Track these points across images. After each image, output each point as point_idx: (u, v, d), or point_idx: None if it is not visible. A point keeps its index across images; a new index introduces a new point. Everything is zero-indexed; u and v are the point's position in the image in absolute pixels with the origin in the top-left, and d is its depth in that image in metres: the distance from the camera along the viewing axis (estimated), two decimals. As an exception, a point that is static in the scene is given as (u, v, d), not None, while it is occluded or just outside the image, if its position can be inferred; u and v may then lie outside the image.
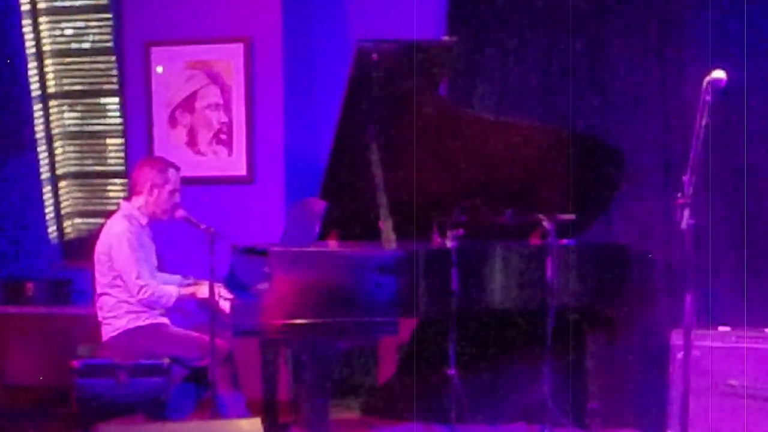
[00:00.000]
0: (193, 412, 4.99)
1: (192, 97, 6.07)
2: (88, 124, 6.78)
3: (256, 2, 5.97)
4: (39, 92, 6.71)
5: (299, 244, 4.73)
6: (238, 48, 5.97)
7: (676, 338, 4.72)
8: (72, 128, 6.78)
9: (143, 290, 4.76)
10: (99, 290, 4.88)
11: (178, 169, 4.98)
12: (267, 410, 5.17)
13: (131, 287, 4.77)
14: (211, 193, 5.94)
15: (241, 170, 6.01)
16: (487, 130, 5.02)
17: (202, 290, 4.80)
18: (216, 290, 4.57)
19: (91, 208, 6.79)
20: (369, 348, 5.78)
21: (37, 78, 6.70)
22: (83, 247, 6.06)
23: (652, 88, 5.41)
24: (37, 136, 6.68)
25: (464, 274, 4.54)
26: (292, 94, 6.01)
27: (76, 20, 6.71)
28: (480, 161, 5.04)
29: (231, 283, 4.97)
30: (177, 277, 5.08)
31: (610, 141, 5.27)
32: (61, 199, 6.80)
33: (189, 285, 5.02)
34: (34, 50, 6.68)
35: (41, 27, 6.69)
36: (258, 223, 5.84)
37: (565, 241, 4.91)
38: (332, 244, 4.96)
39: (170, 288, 4.87)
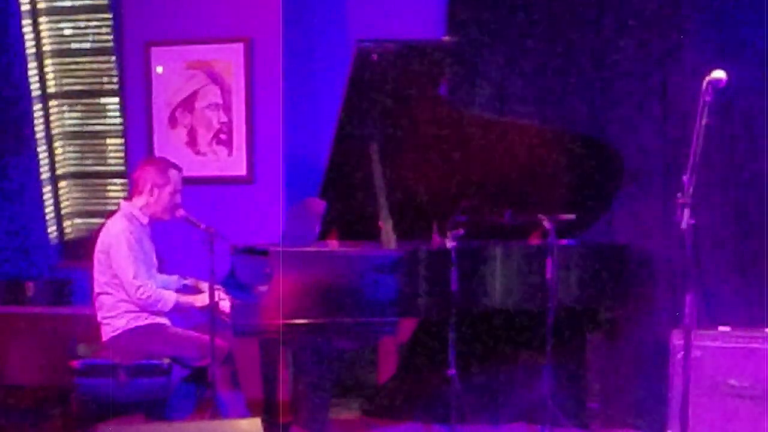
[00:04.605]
0: (193, 412, 4.98)
1: (192, 97, 6.07)
2: (88, 124, 6.78)
3: (256, 2, 5.96)
4: (39, 92, 6.71)
5: (299, 244, 4.73)
6: (238, 48, 5.97)
7: (676, 338, 4.72)
8: (72, 128, 6.78)
9: (140, 290, 4.76)
10: (98, 289, 4.88)
11: (179, 170, 4.98)
12: (267, 410, 5.17)
13: (128, 287, 4.76)
14: (211, 193, 5.94)
15: (241, 170, 6.01)
16: (487, 130, 5.02)
17: (202, 299, 4.80)
18: (217, 293, 4.57)
19: (91, 208, 6.79)
20: (369, 348, 5.79)
21: (37, 78, 6.70)
22: (83, 247, 6.06)
23: (652, 88, 5.41)
24: (37, 136, 6.68)
25: (464, 274, 4.55)
26: (292, 94, 6.01)
27: (76, 20, 6.71)
28: (480, 161, 5.04)
29: (231, 283, 4.97)
30: (174, 277, 5.08)
31: (610, 141, 5.27)
32: (61, 199, 6.80)
33: (187, 285, 5.02)
34: (34, 50, 6.68)
35: (41, 27, 6.69)
36: (258, 223, 5.83)
37: (565, 241, 4.92)
38: (332, 244, 4.96)
39: (168, 293, 4.85)
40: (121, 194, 6.47)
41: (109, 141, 6.74)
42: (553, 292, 4.63)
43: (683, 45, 5.33)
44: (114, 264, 4.78)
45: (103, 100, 6.73)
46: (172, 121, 6.11)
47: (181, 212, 4.82)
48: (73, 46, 6.74)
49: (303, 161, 5.99)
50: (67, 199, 6.82)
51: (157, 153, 6.02)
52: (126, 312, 4.83)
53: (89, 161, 6.80)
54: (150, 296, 4.78)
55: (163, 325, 4.91)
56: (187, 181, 5.08)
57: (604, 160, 5.13)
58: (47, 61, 6.72)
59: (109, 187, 6.78)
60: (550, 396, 4.74)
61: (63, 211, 6.80)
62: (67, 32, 6.74)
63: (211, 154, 6.06)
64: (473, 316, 4.94)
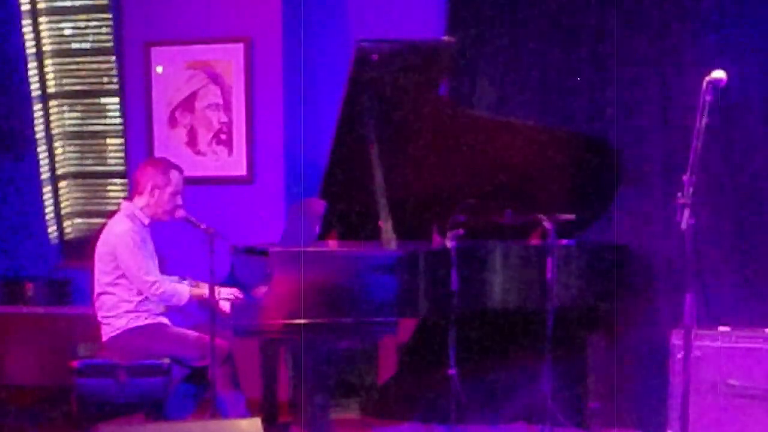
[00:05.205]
0: (193, 412, 4.99)
1: (192, 97, 6.07)
2: (88, 124, 6.78)
3: (256, 2, 5.97)
4: (39, 92, 6.71)
5: (299, 244, 4.73)
6: (238, 48, 5.97)
7: (676, 338, 4.72)
8: (72, 128, 6.78)
9: (155, 287, 4.76)
10: (99, 289, 4.87)
11: (181, 171, 4.97)
12: (267, 410, 5.17)
13: (141, 285, 4.76)
14: (211, 193, 5.94)
15: (241, 170, 6.01)
16: (487, 130, 5.02)
17: (216, 290, 4.78)
18: (217, 290, 4.57)
19: (91, 208, 6.79)
20: (369, 348, 5.78)
21: (37, 78, 6.70)
22: (83, 247, 6.05)
23: (652, 88, 5.41)
24: (37, 136, 6.68)
25: (464, 274, 4.54)
26: (292, 94, 6.01)
27: (76, 20, 6.71)
28: (480, 161, 5.04)
29: (231, 284, 4.97)
30: (174, 278, 5.08)
31: (610, 141, 5.27)
32: (61, 199, 6.80)
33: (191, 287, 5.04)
34: (34, 50, 6.68)
35: (41, 27, 6.69)
36: (258, 223, 5.84)
37: (565, 241, 4.92)
38: (332, 244, 4.96)
39: (182, 287, 4.86)
40: (121, 194, 6.47)
41: (109, 141, 6.74)
42: (553, 292, 4.63)
43: (683, 45, 5.33)
44: (122, 264, 4.78)
45: (103, 100, 6.73)
46: (172, 121, 6.11)
47: (181, 212, 4.83)
48: (73, 46, 6.74)
49: (303, 161, 5.99)
50: (67, 199, 6.81)
51: (157, 153, 6.03)
52: (126, 312, 4.83)
53: (89, 161, 6.80)
54: (165, 291, 4.78)
55: (163, 325, 4.91)
56: (187, 181, 5.07)
57: (604, 160, 5.13)
58: (47, 61, 6.71)
59: (109, 187, 6.78)
60: (550, 396, 4.74)
61: (63, 211, 6.80)
62: (67, 32, 6.74)
63: (211, 154, 6.06)
64: (473, 316, 4.93)
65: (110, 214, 5.12)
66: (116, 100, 6.57)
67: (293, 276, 4.46)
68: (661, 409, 4.93)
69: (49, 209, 6.75)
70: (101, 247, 4.86)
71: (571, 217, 4.78)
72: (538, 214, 4.70)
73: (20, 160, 6.62)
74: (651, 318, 5.34)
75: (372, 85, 4.62)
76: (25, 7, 6.64)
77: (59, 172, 6.78)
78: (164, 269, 5.10)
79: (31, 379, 6.12)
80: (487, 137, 5.00)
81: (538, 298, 4.70)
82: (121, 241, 4.78)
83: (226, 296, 4.70)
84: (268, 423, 4.87)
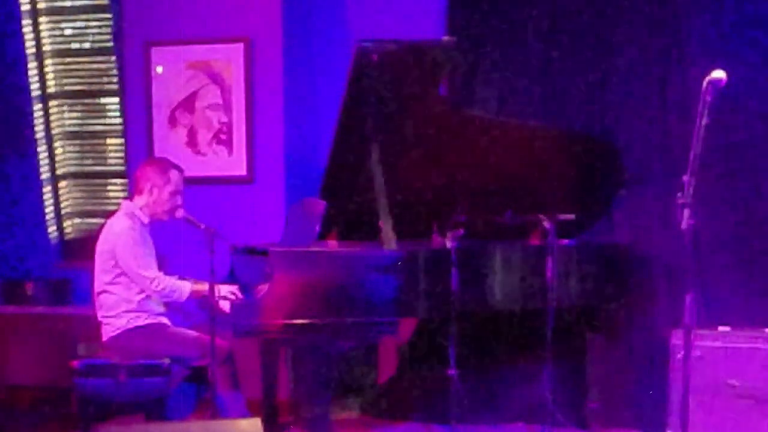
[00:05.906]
0: (193, 412, 4.99)
1: (192, 97, 6.07)
2: (88, 124, 6.78)
3: (256, 2, 5.97)
4: (39, 92, 6.70)
5: (299, 244, 4.73)
6: (238, 48, 5.97)
7: (676, 338, 4.72)
8: (72, 128, 6.78)
9: (154, 283, 4.76)
10: (98, 288, 4.88)
11: (181, 171, 4.97)
12: (267, 410, 5.17)
13: (141, 282, 4.77)
14: (211, 193, 5.94)
15: (241, 170, 6.01)
16: (487, 130, 5.03)
17: (216, 288, 4.78)
18: (217, 288, 4.57)
19: (91, 208, 6.79)
20: (369, 348, 5.78)
21: (37, 78, 6.69)
22: (83, 247, 6.06)
23: (652, 88, 5.41)
24: (37, 136, 6.68)
25: (464, 274, 4.55)
26: (292, 94, 6.01)
27: (76, 20, 6.71)
28: (480, 161, 5.04)
29: (231, 284, 4.97)
30: (174, 278, 5.08)
31: (610, 141, 5.27)
32: (61, 199, 6.80)
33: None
34: (34, 50, 6.68)
35: (41, 27, 6.69)
36: (258, 223, 5.84)
37: (565, 241, 4.92)
38: (332, 244, 4.96)
39: (182, 283, 4.86)
40: (121, 194, 6.47)
41: (109, 141, 6.73)
42: (553, 292, 4.63)
43: (683, 45, 5.33)
44: (122, 262, 4.78)
45: (103, 100, 6.72)
46: (172, 121, 6.11)
47: (181, 212, 4.83)
48: (73, 46, 6.74)
49: (303, 161, 5.99)
50: (67, 199, 6.81)
51: (157, 153, 6.02)
52: (126, 312, 4.83)
53: (89, 161, 6.80)
54: (165, 288, 4.78)
55: (163, 324, 4.91)
56: (187, 181, 5.08)
57: (604, 160, 5.13)
58: (47, 61, 6.71)
59: (109, 187, 6.78)
60: (550, 396, 4.74)
61: (63, 211, 6.80)
62: (67, 32, 6.73)
63: (211, 154, 6.06)
64: (473, 316, 4.93)
65: (110, 214, 5.12)
66: (116, 100, 6.56)
67: (293, 276, 4.47)
68: (661, 409, 4.93)
69: (49, 209, 6.75)
70: (101, 246, 4.87)
71: (571, 217, 4.78)
72: (538, 214, 4.70)
73: (20, 160, 6.62)
74: (651, 318, 5.34)
75: (372, 85, 4.62)
76: (25, 7, 6.64)
77: (59, 172, 6.78)
78: (164, 269, 5.10)
79: (31, 379, 6.12)
80: (487, 137, 5.00)
81: (538, 298, 4.70)
82: (121, 239, 4.79)
83: (226, 293, 4.70)
84: (268, 423, 4.87)
